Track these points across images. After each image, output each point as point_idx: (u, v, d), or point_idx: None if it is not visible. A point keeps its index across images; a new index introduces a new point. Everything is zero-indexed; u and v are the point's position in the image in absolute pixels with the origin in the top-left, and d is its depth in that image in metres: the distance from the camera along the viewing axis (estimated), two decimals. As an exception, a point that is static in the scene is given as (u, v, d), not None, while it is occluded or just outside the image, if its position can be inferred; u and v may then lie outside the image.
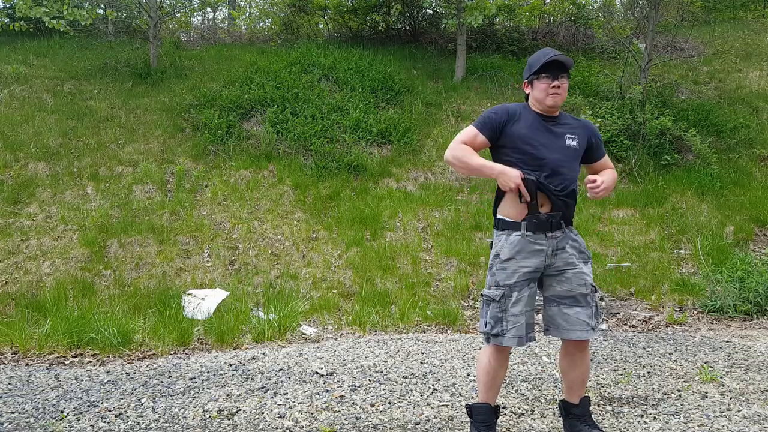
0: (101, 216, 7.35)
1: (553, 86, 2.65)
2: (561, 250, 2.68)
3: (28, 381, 3.86)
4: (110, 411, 3.32)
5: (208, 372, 3.97)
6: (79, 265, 6.63)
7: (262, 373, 3.92)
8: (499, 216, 2.76)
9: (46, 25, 9.04)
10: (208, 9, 16.31)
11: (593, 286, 2.72)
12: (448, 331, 5.39)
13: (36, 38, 12.63)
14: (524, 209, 2.66)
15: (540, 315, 3.07)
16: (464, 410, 3.19)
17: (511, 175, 2.60)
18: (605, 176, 2.79)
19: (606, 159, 2.92)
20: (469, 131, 2.73)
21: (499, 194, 2.77)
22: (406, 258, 6.97)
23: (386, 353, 4.36)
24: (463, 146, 2.71)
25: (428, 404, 3.40)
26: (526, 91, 2.79)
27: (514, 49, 12.71)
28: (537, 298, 2.76)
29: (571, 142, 2.72)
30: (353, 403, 3.42)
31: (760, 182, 8.56)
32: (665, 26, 11.58)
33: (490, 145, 2.75)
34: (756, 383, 3.74)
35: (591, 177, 2.72)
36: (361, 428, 3.09)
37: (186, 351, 4.77)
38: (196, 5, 14.38)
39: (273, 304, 5.57)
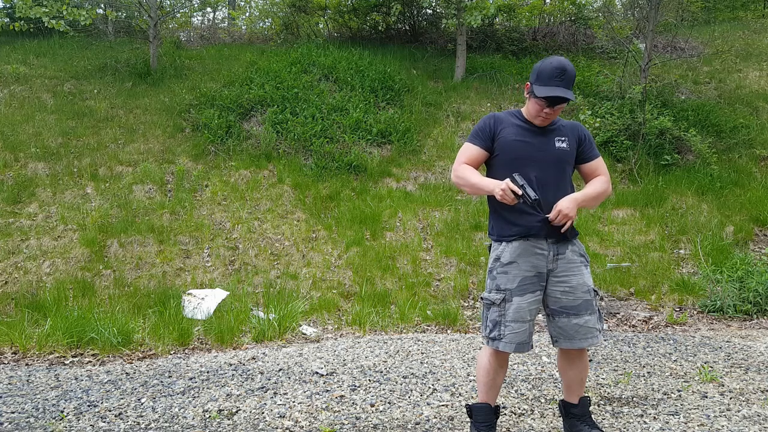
0: (101, 216, 7.35)
1: (546, 112, 2.66)
2: (561, 254, 2.68)
3: (28, 381, 3.86)
4: (110, 411, 3.32)
5: (208, 372, 3.97)
6: (79, 265, 6.63)
7: (262, 373, 3.92)
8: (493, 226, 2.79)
9: (46, 25, 9.04)
10: (208, 9, 16.31)
11: (595, 290, 2.74)
12: (448, 331, 5.39)
13: (36, 38, 12.64)
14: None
15: (540, 319, 3.06)
16: (464, 410, 3.19)
17: (499, 185, 2.55)
18: (589, 186, 2.76)
19: (598, 163, 2.81)
20: (465, 148, 2.78)
21: (492, 202, 2.78)
22: (406, 258, 6.97)
23: (386, 353, 4.36)
24: (464, 166, 2.74)
25: (428, 404, 3.39)
26: (525, 94, 2.78)
27: (514, 49, 12.71)
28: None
29: (561, 144, 2.72)
30: (353, 403, 3.42)
31: (760, 182, 8.56)
32: (665, 26, 11.58)
33: (489, 155, 2.76)
34: (756, 383, 3.74)
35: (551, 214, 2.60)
36: (361, 428, 3.09)
37: (186, 351, 4.77)
38: (196, 5, 14.38)
39: (273, 304, 5.57)
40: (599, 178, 2.79)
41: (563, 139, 2.73)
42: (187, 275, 6.62)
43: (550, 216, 2.60)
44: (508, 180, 2.54)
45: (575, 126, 2.83)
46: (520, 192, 2.51)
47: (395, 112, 9.92)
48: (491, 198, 2.73)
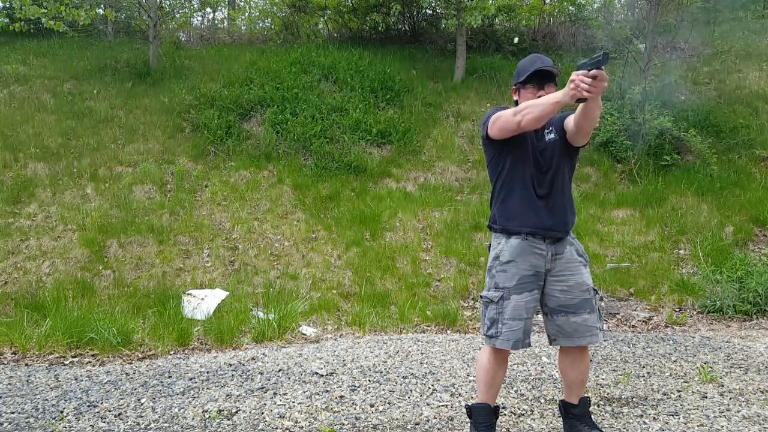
0: (101, 216, 7.35)
1: (539, 96, 2.64)
2: (559, 254, 2.69)
3: (27, 381, 3.86)
4: (110, 411, 3.32)
5: (207, 372, 3.97)
6: (78, 265, 6.63)
7: (261, 374, 3.92)
8: (497, 219, 2.76)
9: (44, 25, 9.04)
10: (208, 9, 16.31)
11: (594, 289, 2.74)
12: (448, 332, 5.39)
13: (36, 38, 12.62)
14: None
15: (540, 319, 3.06)
16: (464, 410, 3.19)
17: (569, 87, 2.32)
18: None
19: None
20: (503, 110, 2.61)
21: (496, 195, 2.77)
22: (405, 258, 6.97)
23: (386, 353, 4.36)
24: (519, 106, 2.53)
25: (428, 404, 3.39)
26: (515, 98, 2.79)
27: (514, 49, 12.71)
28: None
29: (550, 135, 2.73)
30: (353, 403, 3.42)
31: (759, 183, 8.56)
32: (665, 27, 11.57)
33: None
34: (755, 383, 3.74)
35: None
36: (361, 428, 3.09)
37: (186, 351, 4.77)
38: (195, 5, 14.39)
39: (273, 305, 5.57)
40: None
41: (550, 129, 2.73)
42: (187, 275, 6.62)
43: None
44: (573, 74, 2.30)
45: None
46: (593, 72, 2.24)
47: (395, 112, 9.92)
48: (501, 185, 2.72)
